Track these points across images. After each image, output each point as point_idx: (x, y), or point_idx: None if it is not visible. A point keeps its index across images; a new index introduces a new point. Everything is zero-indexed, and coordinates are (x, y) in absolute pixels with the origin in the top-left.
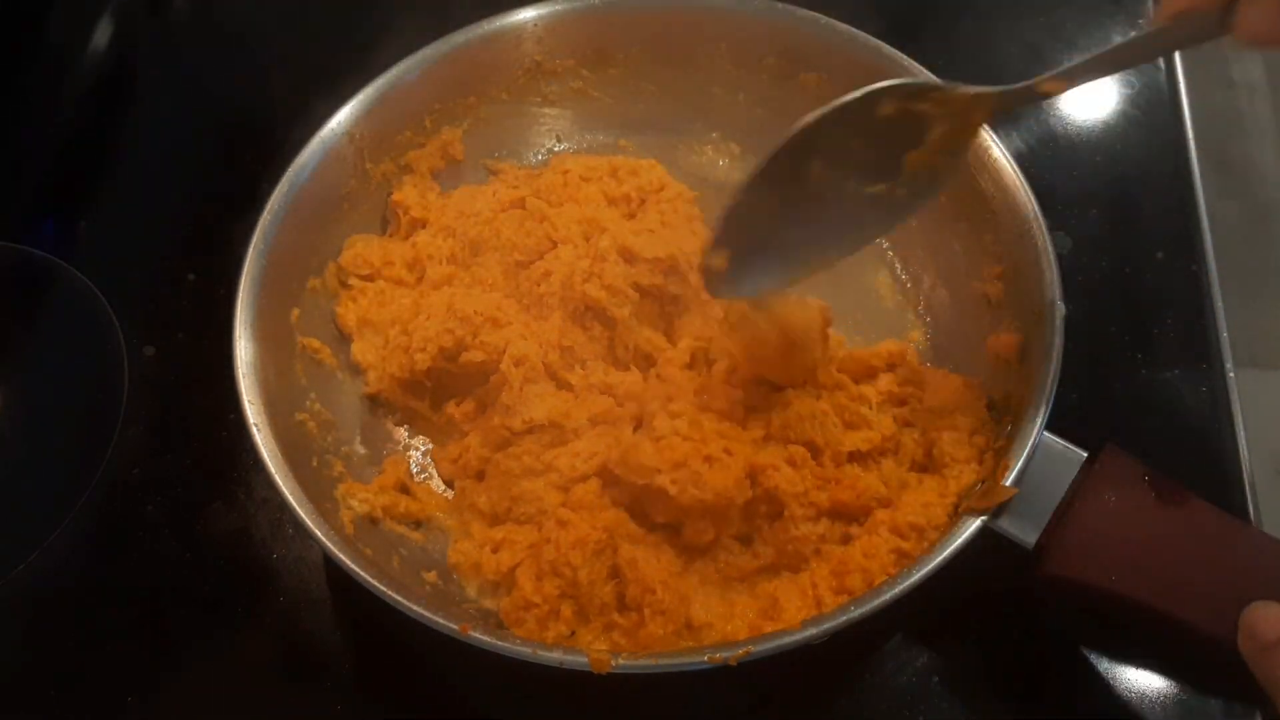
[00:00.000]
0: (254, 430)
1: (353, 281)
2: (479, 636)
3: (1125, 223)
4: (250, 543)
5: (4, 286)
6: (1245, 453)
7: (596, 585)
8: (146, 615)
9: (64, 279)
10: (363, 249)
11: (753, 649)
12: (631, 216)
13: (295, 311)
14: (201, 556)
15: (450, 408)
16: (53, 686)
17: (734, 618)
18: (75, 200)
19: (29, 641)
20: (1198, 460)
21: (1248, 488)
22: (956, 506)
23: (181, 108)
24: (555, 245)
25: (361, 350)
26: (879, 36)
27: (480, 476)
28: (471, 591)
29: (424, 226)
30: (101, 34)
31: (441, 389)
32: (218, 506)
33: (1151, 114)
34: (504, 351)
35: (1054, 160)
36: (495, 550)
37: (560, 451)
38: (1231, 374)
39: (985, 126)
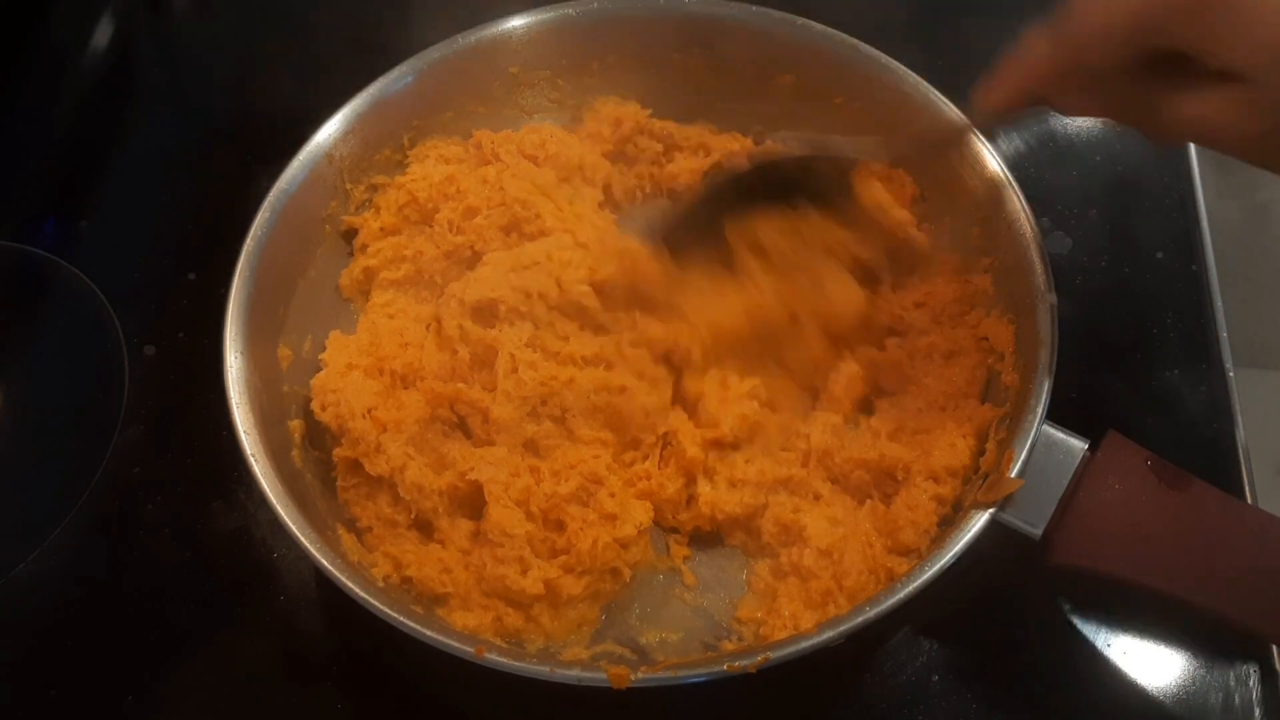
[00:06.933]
0: (252, 461)
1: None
2: (494, 659)
3: (1125, 223)
4: (250, 542)
5: (4, 286)
6: (1245, 453)
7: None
8: (146, 615)
9: (64, 279)
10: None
11: (771, 655)
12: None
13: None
14: (201, 556)
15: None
16: (52, 686)
17: None
18: (75, 200)
19: (29, 640)
20: (1198, 460)
21: (1247, 488)
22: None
23: (181, 108)
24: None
25: None
26: (868, 38)
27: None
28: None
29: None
30: (101, 34)
31: None
32: (218, 506)
33: None
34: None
35: (1054, 160)
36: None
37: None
38: (1231, 374)
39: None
